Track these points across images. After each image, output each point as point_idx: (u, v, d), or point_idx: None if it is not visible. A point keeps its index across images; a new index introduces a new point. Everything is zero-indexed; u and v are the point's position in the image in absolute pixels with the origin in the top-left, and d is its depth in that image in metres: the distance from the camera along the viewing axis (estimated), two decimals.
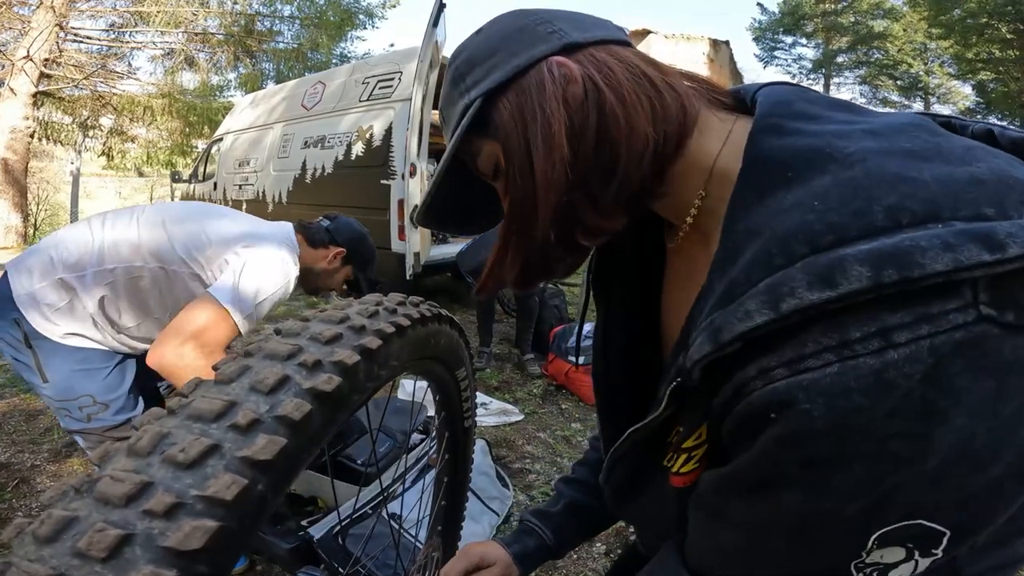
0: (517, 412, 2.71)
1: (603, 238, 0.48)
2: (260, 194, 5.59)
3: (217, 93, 10.94)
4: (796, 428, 0.28)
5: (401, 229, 3.96)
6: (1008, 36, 15.14)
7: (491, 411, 2.68)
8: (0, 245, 7.90)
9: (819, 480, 0.28)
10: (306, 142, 5.02)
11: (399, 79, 4.21)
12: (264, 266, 1.27)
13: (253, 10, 10.50)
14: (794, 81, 0.47)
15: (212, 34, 10.26)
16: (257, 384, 0.30)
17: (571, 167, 0.41)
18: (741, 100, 0.44)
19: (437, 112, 3.72)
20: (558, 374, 3.10)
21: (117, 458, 0.25)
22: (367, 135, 4.34)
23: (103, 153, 10.76)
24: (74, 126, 9.92)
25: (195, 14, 9.61)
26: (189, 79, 10.69)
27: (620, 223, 0.46)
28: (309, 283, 1.54)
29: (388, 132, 4.14)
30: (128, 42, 9.81)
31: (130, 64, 10.30)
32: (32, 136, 8.71)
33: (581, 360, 2.67)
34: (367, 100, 4.47)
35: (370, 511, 1.54)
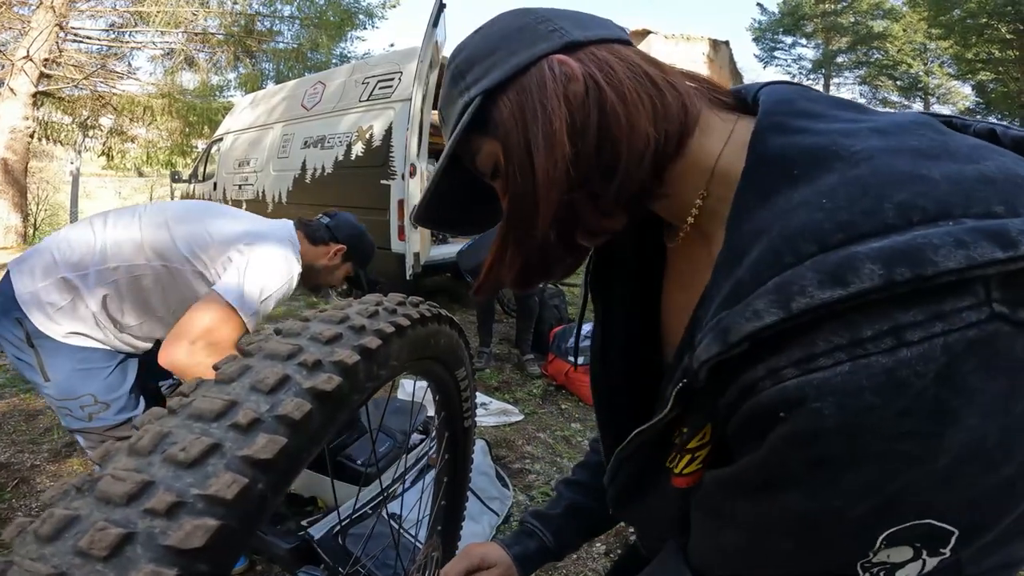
0: (517, 412, 2.71)
1: (603, 238, 0.48)
2: (260, 194, 5.59)
3: (217, 93, 10.94)
4: (806, 427, 0.27)
5: (401, 229, 3.96)
6: (1008, 36, 15.14)
7: (491, 411, 2.68)
8: (0, 245, 7.90)
9: (829, 479, 0.28)
10: (306, 142, 5.02)
11: (399, 79, 4.21)
12: (268, 264, 1.28)
13: (253, 10, 10.49)
14: (795, 81, 0.46)
15: (212, 34, 10.26)
16: (258, 384, 0.30)
17: (572, 165, 0.41)
18: (742, 100, 0.44)
19: (437, 112, 3.73)
20: (558, 374, 3.10)
21: (118, 457, 0.25)
22: (367, 135, 4.35)
23: (103, 153, 10.75)
24: (74, 126, 9.92)
25: (195, 14, 9.60)
26: (189, 79, 10.70)
27: (620, 223, 0.46)
28: (310, 280, 1.55)
29: (388, 132, 4.14)
30: (128, 42, 9.80)
31: (130, 64, 10.31)
32: (32, 136, 8.70)
33: (580, 360, 2.67)
34: (367, 100, 4.47)
35: (370, 511, 1.54)
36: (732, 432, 0.33)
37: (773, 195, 0.33)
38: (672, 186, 0.43)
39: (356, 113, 4.55)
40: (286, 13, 10.87)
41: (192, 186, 7.28)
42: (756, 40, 23.30)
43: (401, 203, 3.93)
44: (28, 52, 8.00)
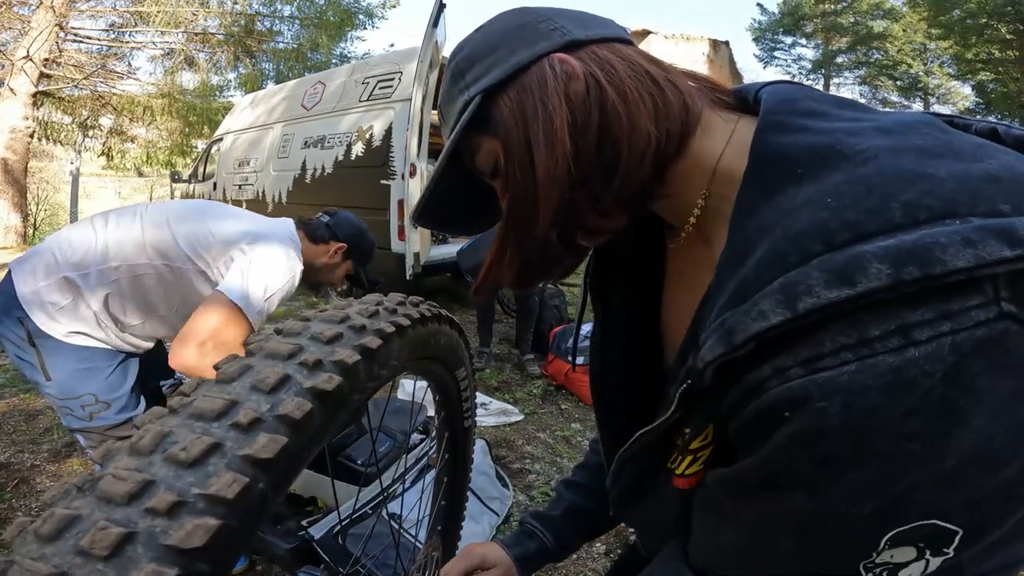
0: (517, 412, 2.71)
1: (603, 238, 0.48)
2: (260, 194, 5.59)
3: (217, 93, 10.93)
4: (811, 426, 0.27)
5: (401, 229, 3.96)
6: (1008, 36, 15.15)
7: (491, 411, 2.68)
8: (0, 245, 7.90)
9: (833, 479, 0.28)
10: (306, 142, 5.02)
11: (399, 79, 4.21)
12: (270, 262, 1.29)
13: (253, 10, 10.49)
14: (795, 80, 0.46)
15: (212, 34, 10.25)
16: (258, 383, 0.30)
17: (573, 163, 0.40)
18: (743, 99, 0.43)
19: (437, 112, 3.72)
20: (558, 374, 3.10)
21: (119, 457, 0.25)
22: (367, 135, 4.35)
23: (103, 153, 10.75)
24: (74, 126, 9.91)
25: (195, 14, 9.60)
26: (189, 79, 10.69)
27: (621, 223, 0.46)
28: (310, 278, 1.55)
29: (388, 132, 4.14)
30: (128, 42, 9.80)
31: (130, 64, 10.29)
32: (32, 136, 8.69)
33: (580, 360, 2.67)
34: (367, 100, 4.47)
35: (370, 511, 1.54)
36: (736, 432, 0.33)
37: (777, 194, 0.32)
38: (673, 186, 0.43)
39: (356, 113, 4.55)
40: (286, 13, 10.87)
41: (192, 186, 7.27)
42: (756, 40, 23.33)
43: (401, 203, 3.93)
44: (28, 52, 8.00)
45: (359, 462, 1.67)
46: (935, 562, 0.29)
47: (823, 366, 0.27)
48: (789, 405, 0.28)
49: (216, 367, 0.31)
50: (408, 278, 3.93)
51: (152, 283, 1.31)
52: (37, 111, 8.76)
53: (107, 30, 9.65)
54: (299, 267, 1.38)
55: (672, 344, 0.52)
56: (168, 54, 10.16)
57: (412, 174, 3.83)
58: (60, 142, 10.13)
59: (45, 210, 12.73)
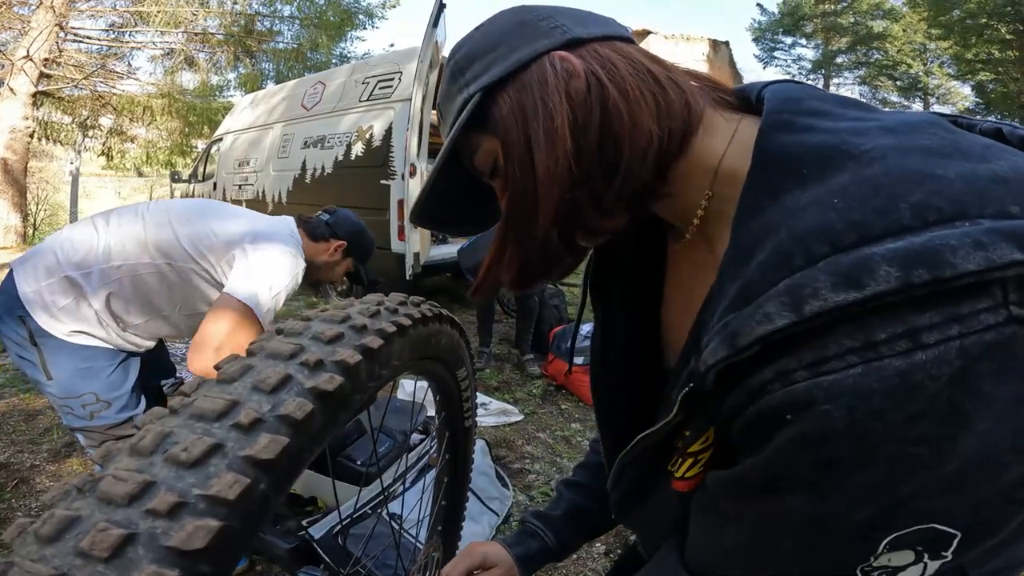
0: (517, 412, 2.71)
1: (603, 238, 0.47)
2: (260, 194, 5.59)
3: (217, 93, 10.93)
4: (814, 429, 0.27)
5: (401, 229, 3.96)
6: (1007, 37, 15.14)
7: (491, 411, 2.68)
8: (0, 245, 7.90)
9: (835, 482, 0.28)
10: (306, 142, 5.02)
11: (399, 79, 4.21)
12: (274, 261, 1.30)
13: (253, 10, 10.48)
14: (796, 80, 0.46)
15: (212, 34, 10.25)
16: (259, 383, 0.29)
17: (574, 162, 0.40)
18: (745, 99, 0.43)
19: (436, 111, 3.72)
20: (558, 374, 3.10)
21: (120, 457, 0.25)
22: (367, 135, 4.34)
23: (103, 153, 10.74)
24: (74, 126, 9.91)
25: (195, 14, 9.59)
26: (189, 79, 10.69)
27: (622, 223, 0.45)
28: (311, 276, 1.56)
29: (388, 132, 4.14)
30: (128, 42, 9.79)
31: (130, 64, 10.29)
32: (32, 136, 8.69)
33: (580, 360, 2.67)
34: (367, 100, 4.47)
35: (370, 511, 1.54)
36: (737, 434, 0.33)
37: (781, 194, 0.32)
38: (675, 185, 0.43)
39: (356, 113, 4.55)
40: (286, 13, 10.86)
41: (192, 186, 7.27)
42: (756, 40, 23.32)
43: (401, 203, 3.93)
44: (28, 52, 8.00)
45: (359, 462, 1.67)
46: (933, 565, 0.29)
47: (828, 369, 0.27)
48: (792, 408, 0.28)
49: (217, 367, 0.31)
50: (408, 278, 3.93)
51: (154, 282, 1.31)
52: (37, 111, 8.75)
53: (107, 30, 9.64)
54: (301, 264, 1.38)
55: (672, 345, 0.52)
56: (168, 54, 10.16)
57: (412, 174, 3.83)
58: (60, 142, 10.12)
59: (45, 210, 12.74)
